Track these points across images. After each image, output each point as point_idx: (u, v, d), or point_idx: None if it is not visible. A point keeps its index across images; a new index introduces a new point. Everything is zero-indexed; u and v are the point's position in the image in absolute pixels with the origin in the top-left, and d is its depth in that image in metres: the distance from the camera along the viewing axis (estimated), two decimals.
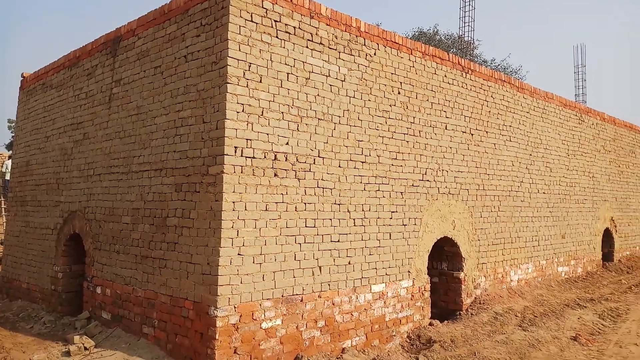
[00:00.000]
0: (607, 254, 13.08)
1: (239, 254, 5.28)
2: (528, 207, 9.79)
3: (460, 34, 18.76)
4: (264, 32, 5.68)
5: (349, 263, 6.38)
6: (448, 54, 8.24)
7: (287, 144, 5.79)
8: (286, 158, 5.77)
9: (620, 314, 8.44)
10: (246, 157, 5.40)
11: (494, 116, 9.12)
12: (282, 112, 5.76)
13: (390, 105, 7.10)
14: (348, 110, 6.51)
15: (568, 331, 7.26)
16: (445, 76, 8.11)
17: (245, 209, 5.36)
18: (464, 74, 8.49)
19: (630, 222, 14.22)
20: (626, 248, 13.93)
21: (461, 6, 19.06)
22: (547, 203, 10.39)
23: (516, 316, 7.81)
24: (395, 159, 7.12)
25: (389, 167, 7.00)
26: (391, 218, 6.97)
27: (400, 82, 7.30)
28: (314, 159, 6.06)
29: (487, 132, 8.91)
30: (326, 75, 6.28)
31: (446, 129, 8.04)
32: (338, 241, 6.26)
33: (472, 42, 28.76)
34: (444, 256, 8.32)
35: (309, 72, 6.08)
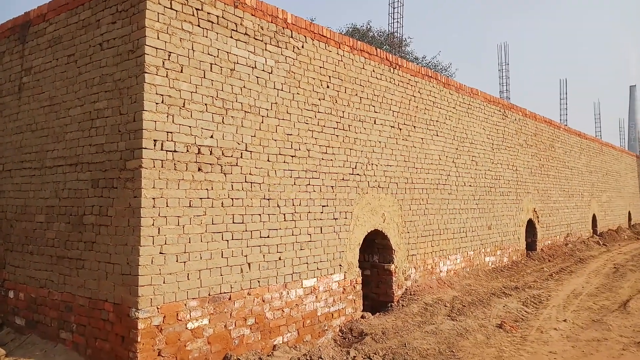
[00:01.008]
0: (531, 243, 13.76)
1: (160, 253, 5.03)
2: (455, 200, 10.08)
3: (390, 30, 19.12)
4: (185, 20, 5.44)
5: (280, 259, 6.26)
6: (376, 49, 8.31)
7: (212, 137, 5.59)
8: (211, 152, 5.56)
9: (542, 300, 8.85)
10: (167, 150, 5.15)
11: (422, 111, 9.31)
12: (205, 104, 5.55)
13: (319, 99, 7.05)
14: (276, 103, 6.39)
15: (494, 319, 7.51)
16: (374, 71, 8.17)
17: (167, 206, 5.11)
18: (391, 69, 8.59)
19: (551, 213, 15.04)
20: (547, 237, 14.72)
21: (390, 2, 19.42)
22: (474, 195, 10.75)
23: (445, 306, 8.00)
24: (326, 153, 7.08)
25: (319, 161, 6.95)
26: (322, 212, 6.92)
27: (329, 76, 7.27)
28: (241, 153, 5.90)
29: (414, 126, 9.07)
30: (252, 67, 6.12)
31: (375, 123, 8.10)
32: (268, 237, 6.13)
33: (404, 39, 29.52)
34: (375, 249, 8.39)
35: (234, 63, 5.90)
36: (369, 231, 7.77)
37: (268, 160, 6.21)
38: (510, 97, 16.97)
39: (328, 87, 7.22)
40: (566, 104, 23.89)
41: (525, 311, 8.11)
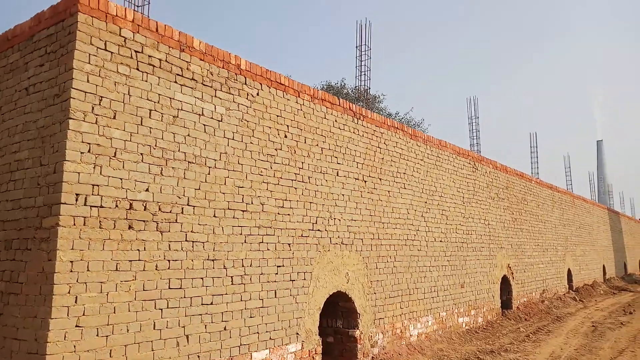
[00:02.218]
0: (506, 301, 13.18)
1: (77, 326, 4.28)
2: (425, 256, 9.52)
3: (358, 83, 19.12)
4: (121, 63, 4.93)
5: (225, 329, 5.53)
6: (338, 99, 7.93)
7: (147, 190, 4.97)
8: (145, 207, 4.93)
9: None
10: (91, 206, 4.50)
11: (388, 163, 8.88)
12: (141, 154, 4.97)
13: (275, 149, 6.54)
14: (226, 153, 5.85)
15: None
16: (336, 121, 7.75)
17: (88, 270, 4.41)
18: (355, 119, 8.20)
19: (525, 269, 14.57)
20: (523, 294, 14.18)
21: (357, 55, 19.51)
22: (445, 251, 10.22)
23: None
24: (282, 207, 6.50)
25: (274, 216, 6.35)
26: (277, 273, 6.26)
27: (287, 125, 6.80)
28: (182, 208, 5.27)
29: (380, 179, 8.61)
30: (199, 114, 5.60)
31: (338, 175, 7.60)
32: (211, 303, 5.42)
33: (377, 95, 29.80)
34: (339, 313, 7.69)
35: (178, 109, 5.38)
36: (330, 293, 7.10)
37: (214, 216, 5.59)
38: (481, 151, 17.09)
39: (286, 136, 6.74)
40: (537, 157, 24.19)
41: None
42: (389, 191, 8.79)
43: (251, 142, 6.20)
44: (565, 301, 16.32)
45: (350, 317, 7.60)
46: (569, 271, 18.85)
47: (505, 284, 13.18)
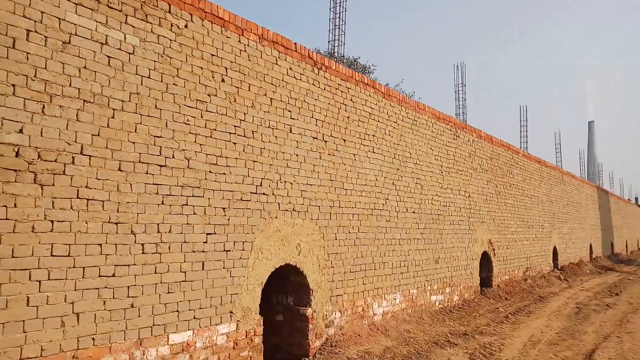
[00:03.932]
0: (486, 279, 12.34)
1: None
2: (395, 228, 8.56)
3: (331, 48, 17.67)
4: None
5: (132, 305, 4.54)
6: (295, 44, 6.82)
7: (21, 132, 3.91)
8: (17, 153, 3.87)
9: (494, 351, 7.31)
10: None
11: (354, 123, 7.83)
12: (13, 85, 3.89)
13: (208, 95, 5.47)
14: (138, 94, 4.77)
15: None
16: (291, 69, 6.67)
17: None
18: (315, 69, 7.12)
19: (508, 245, 13.72)
20: (505, 272, 13.35)
21: (331, 17, 18.00)
22: (418, 224, 9.26)
23: None
24: (215, 164, 5.46)
25: (204, 174, 5.32)
26: (206, 242, 5.26)
27: (226, 68, 5.72)
28: (73, 157, 4.22)
29: (344, 140, 7.57)
30: (101, 43, 4.51)
31: (291, 132, 6.56)
32: (113, 275, 4.42)
33: (367, 66, 28.49)
34: (290, 288, 6.74)
35: (70, 34, 4.28)
36: (277, 266, 6.13)
37: (119, 170, 4.55)
38: (467, 120, 16.00)
39: (223, 80, 5.66)
40: (526, 130, 23.17)
41: None
42: (354, 154, 7.76)
43: (174, 84, 5.12)
44: (549, 280, 15.56)
45: (302, 293, 6.65)
46: (555, 249, 18.08)
47: (485, 261, 12.32)
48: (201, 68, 5.43)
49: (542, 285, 14.63)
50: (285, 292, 6.77)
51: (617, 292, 14.06)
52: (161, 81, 4.99)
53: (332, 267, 7.05)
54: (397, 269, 8.51)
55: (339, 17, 17.96)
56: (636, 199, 77.12)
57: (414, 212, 9.16)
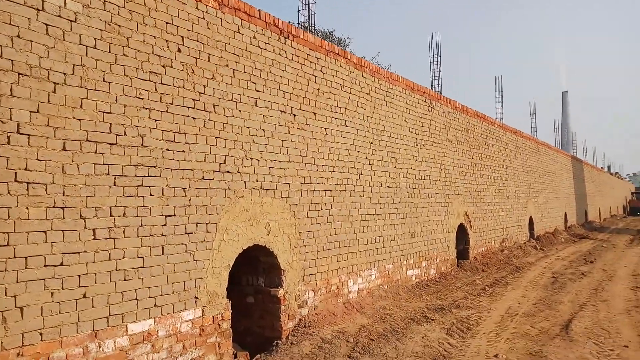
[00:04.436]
0: (462, 251, 12.28)
1: None
2: (369, 204, 8.33)
3: (302, 19, 17.01)
4: None
5: (85, 296, 4.21)
6: (259, 11, 6.40)
7: None
8: None
9: (471, 325, 7.22)
10: None
11: (324, 95, 7.49)
12: None
13: (163, 66, 5.06)
14: (83, 66, 4.35)
15: (408, 358, 5.76)
16: (255, 37, 6.27)
17: None
18: (282, 38, 6.72)
19: (484, 217, 13.68)
20: (482, 244, 13.33)
21: None
22: (393, 198, 9.05)
23: (347, 342, 6.18)
24: (173, 141, 5.10)
25: (160, 152, 4.95)
26: (165, 225, 4.93)
27: (182, 37, 5.30)
28: (9, 137, 3.82)
29: (315, 113, 7.24)
30: (37, 9, 4.06)
31: (256, 105, 6.20)
32: (61, 264, 4.07)
33: (343, 39, 27.90)
34: (260, 269, 6.48)
35: None
36: (244, 247, 5.84)
37: (64, 150, 4.16)
38: (443, 92, 15.71)
39: (180, 50, 5.25)
40: (502, 101, 23.04)
41: (448, 343, 6.41)
42: (325, 128, 7.45)
43: (125, 54, 4.70)
44: (525, 250, 15.65)
45: (273, 274, 6.40)
46: (531, 219, 18.20)
47: (462, 233, 12.25)
48: (154, 37, 5.00)
49: (518, 255, 14.70)
50: (255, 273, 6.51)
51: (591, 260, 14.21)
52: (109, 52, 4.57)
53: (305, 245, 6.80)
54: (372, 245, 8.31)
55: None
56: (609, 167, 78.75)
57: (388, 186, 8.93)
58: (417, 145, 10.11)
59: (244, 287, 6.53)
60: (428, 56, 18.32)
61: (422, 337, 6.51)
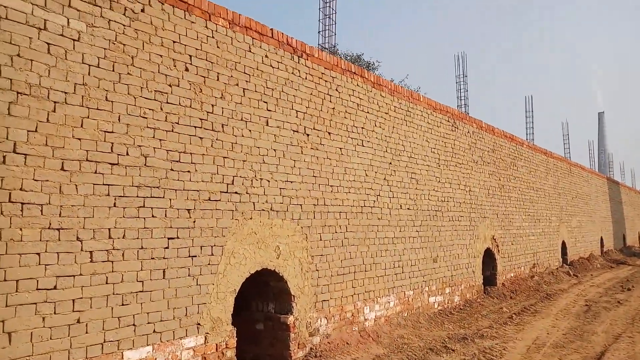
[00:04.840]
0: (490, 277, 11.77)
1: None
2: (388, 226, 8.03)
3: (322, 40, 16.87)
4: None
5: (79, 321, 4.07)
6: (271, 29, 6.31)
7: None
8: None
9: (494, 357, 6.77)
10: None
11: (340, 114, 7.31)
12: None
13: (169, 85, 4.98)
14: (85, 85, 4.29)
15: None
16: (267, 57, 6.16)
17: None
18: (295, 57, 6.60)
19: (513, 241, 13.14)
20: (510, 269, 12.77)
21: (321, 7, 17.08)
22: (414, 221, 8.73)
23: None
24: (178, 161, 4.97)
25: (164, 172, 4.83)
26: (167, 248, 4.78)
27: (190, 56, 5.22)
28: (4, 157, 3.75)
29: (329, 133, 7.05)
30: (39, 28, 4.03)
31: (267, 124, 6.05)
32: (54, 288, 3.95)
33: (372, 62, 27.69)
34: (270, 294, 6.24)
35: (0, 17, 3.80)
36: (252, 272, 5.64)
37: (62, 170, 4.07)
38: (470, 113, 15.26)
39: (187, 69, 5.17)
40: (532, 122, 22.46)
41: None
42: (341, 148, 7.25)
43: (129, 74, 4.63)
44: (557, 276, 14.94)
45: (283, 300, 6.16)
46: (564, 243, 17.44)
47: (489, 258, 11.75)
48: (161, 56, 4.93)
49: (549, 282, 14.03)
50: (266, 299, 6.28)
51: (629, 287, 13.43)
52: (113, 70, 4.51)
53: (317, 270, 6.54)
54: (390, 270, 7.99)
55: (329, 5, 17.24)
56: None
57: (408, 208, 8.63)
58: (439, 166, 9.79)
59: (253, 312, 6.31)
60: (454, 76, 17.89)
61: None
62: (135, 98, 4.65)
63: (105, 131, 4.39)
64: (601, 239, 23.08)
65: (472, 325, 8.71)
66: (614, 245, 25.77)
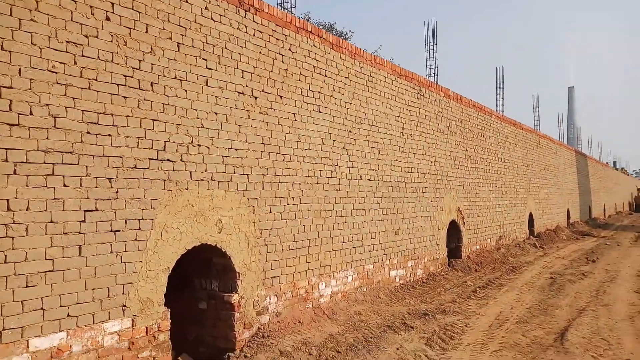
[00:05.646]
0: (455, 249, 11.52)
1: None
2: (347, 198, 7.57)
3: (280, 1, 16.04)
4: None
5: None
6: None
7: None
8: None
9: (455, 334, 6.47)
10: None
11: (294, 77, 6.73)
12: None
13: (85, 36, 4.32)
14: None
15: None
16: (206, 8, 5.51)
17: None
18: (241, 10, 5.96)
19: (480, 213, 12.89)
20: (476, 242, 12.55)
21: None
22: (374, 192, 8.29)
23: (310, 354, 5.44)
24: (97, 123, 4.36)
25: (79, 136, 4.22)
26: (84, 221, 4.20)
27: (112, 3, 4.55)
28: None
29: (281, 96, 6.48)
30: None
31: (207, 85, 5.45)
32: None
33: (344, 32, 26.97)
34: (214, 271, 5.74)
35: None
36: (189, 248, 5.10)
37: None
38: (439, 82, 14.70)
39: (108, 19, 4.50)
40: (503, 93, 22.15)
41: (426, 356, 5.66)
42: (294, 114, 6.69)
43: (32, 20, 3.96)
44: (524, 248, 14.87)
45: (228, 277, 5.67)
46: (531, 215, 17.40)
47: (454, 230, 11.47)
48: (75, 1, 4.26)
49: (516, 254, 13.93)
50: (209, 276, 5.78)
51: (593, 258, 13.43)
52: (10, 15, 3.83)
53: (266, 245, 6.06)
54: (349, 244, 7.56)
55: None
56: (615, 162, 77.45)
57: (369, 179, 8.17)
58: (403, 135, 9.33)
59: (196, 291, 5.81)
60: (424, 44, 17.39)
61: (397, 349, 5.77)
62: (40, 49, 3.99)
63: (1, 86, 3.74)
64: (568, 210, 23.25)
65: (434, 299, 8.42)
66: (580, 217, 26.07)
